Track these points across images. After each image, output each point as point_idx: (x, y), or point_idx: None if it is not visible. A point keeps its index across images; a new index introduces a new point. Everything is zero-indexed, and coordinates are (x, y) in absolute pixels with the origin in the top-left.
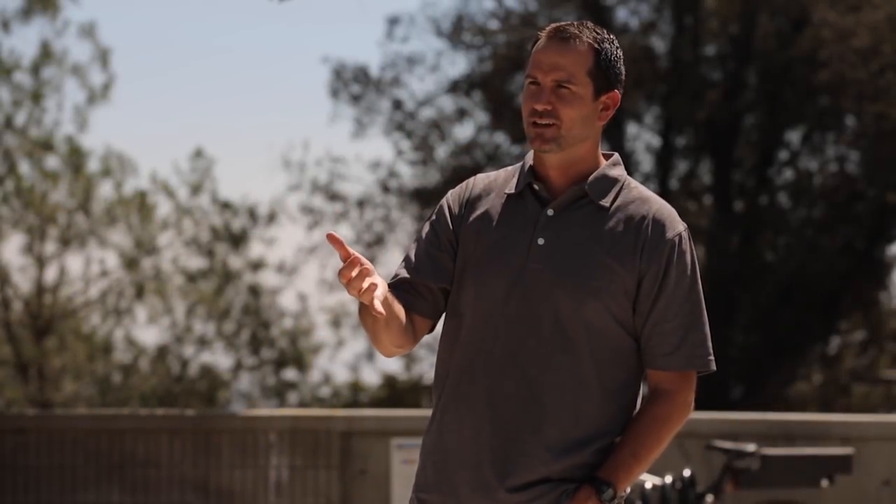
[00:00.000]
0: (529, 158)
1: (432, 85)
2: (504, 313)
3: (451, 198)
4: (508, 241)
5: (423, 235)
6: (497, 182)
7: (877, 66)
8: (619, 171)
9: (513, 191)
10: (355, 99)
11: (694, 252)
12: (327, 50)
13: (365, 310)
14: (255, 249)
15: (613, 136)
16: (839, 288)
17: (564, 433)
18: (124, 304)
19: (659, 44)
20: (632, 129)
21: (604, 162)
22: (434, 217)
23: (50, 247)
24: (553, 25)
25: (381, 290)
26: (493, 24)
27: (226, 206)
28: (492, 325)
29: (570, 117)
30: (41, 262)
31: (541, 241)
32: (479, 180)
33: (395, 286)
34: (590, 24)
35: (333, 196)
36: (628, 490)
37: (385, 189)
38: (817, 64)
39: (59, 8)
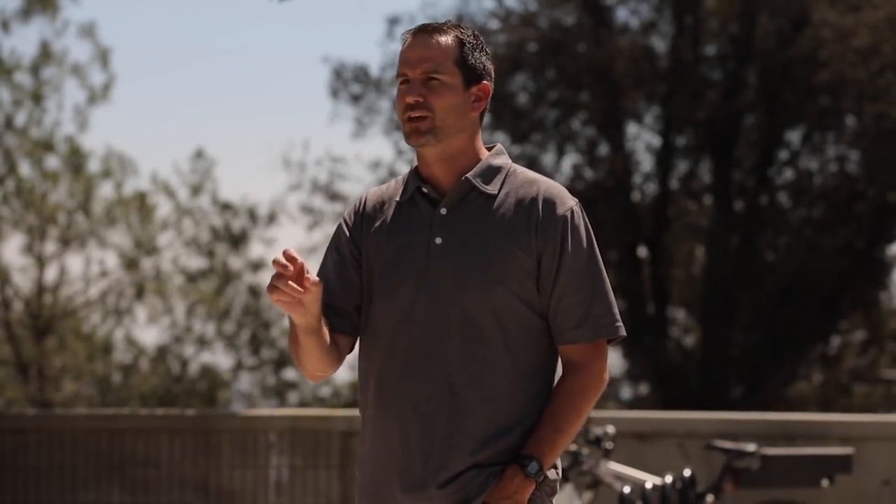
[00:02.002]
0: (415, 163)
1: None
2: (414, 317)
3: (347, 216)
4: (408, 247)
5: (328, 259)
6: (388, 193)
7: (877, 65)
8: (502, 160)
9: (403, 198)
10: (355, 99)
11: (588, 225)
12: (327, 50)
13: (294, 336)
14: (256, 250)
15: (613, 137)
16: (839, 288)
17: (488, 422)
18: (124, 304)
19: (659, 44)
20: (632, 128)
21: (486, 152)
22: (333, 239)
23: (50, 247)
24: (416, 25)
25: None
26: (493, 24)
27: (226, 206)
28: (404, 331)
29: (442, 107)
30: (41, 262)
31: (438, 241)
32: (371, 194)
33: None
34: (452, 23)
35: (333, 196)
36: (559, 467)
37: None
38: (817, 64)
39: (58, 8)
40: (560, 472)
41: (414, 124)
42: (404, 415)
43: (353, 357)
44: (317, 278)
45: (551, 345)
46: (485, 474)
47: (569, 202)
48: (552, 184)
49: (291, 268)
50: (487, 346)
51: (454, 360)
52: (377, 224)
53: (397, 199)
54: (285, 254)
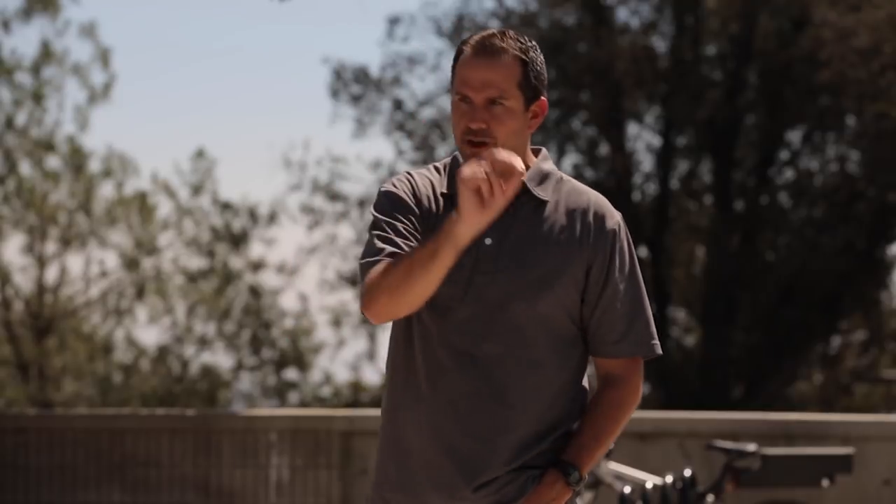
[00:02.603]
0: (461, 156)
1: (433, 85)
2: (459, 314)
3: (403, 190)
4: None
5: (390, 218)
6: (434, 180)
7: (877, 65)
8: (550, 166)
9: (451, 191)
10: (356, 99)
11: (631, 240)
12: (327, 50)
13: (437, 253)
14: (256, 250)
15: (614, 137)
16: (840, 288)
17: (528, 428)
18: (125, 304)
19: (659, 44)
20: (632, 128)
21: (534, 158)
22: (395, 207)
23: (51, 247)
24: (478, 38)
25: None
26: (494, 24)
27: (226, 206)
28: (448, 327)
29: (504, 133)
30: (42, 262)
31: (488, 242)
32: (417, 176)
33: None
34: (512, 34)
35: (334, 196)
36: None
37: None
38: (818, 64)
39: (59, 8)
40: (586, 476)
41: (475, 149)
42: (439, 411)
43: (353, 358)
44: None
45: (583, 353)
46: (522, 478)
47: (616, 216)
48: (600, 196)
49: (519, 165)
50: (531, 352)
51: (497, 363)
52: (427, 211)
53: (443, 190)
54: (518, 165)
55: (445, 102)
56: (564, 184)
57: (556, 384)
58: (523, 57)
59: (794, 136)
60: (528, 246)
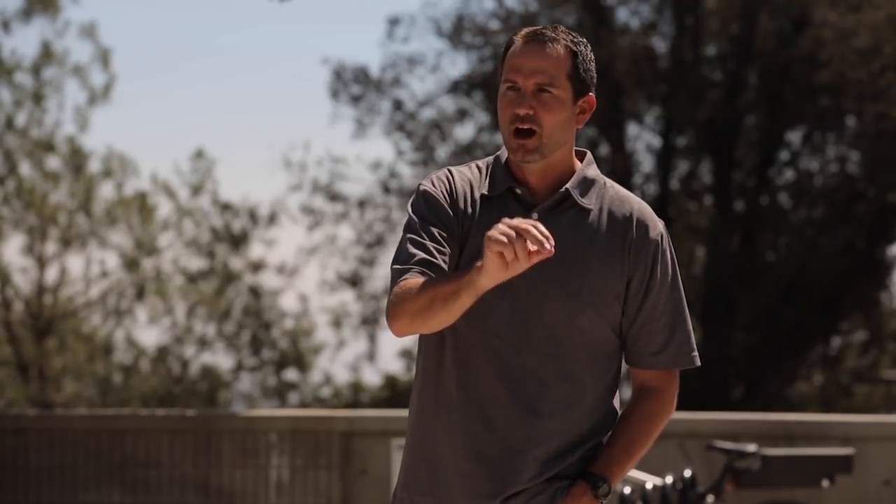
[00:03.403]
0: (504, 156)
1: (433, 85)
2: (496, 321)
3: (441, 191)
4: None
5: (425, 222)
6: (473, 179)
7: (877, 66)
8: (595, 171)
9: (492, 193)
10: (356, 99)
11: (673, 249)
12: (327, 50)
13: (458, 293)
14: (256, 250)
15: (614, 137)
16: (840, 288)
17: (561, 440)
18: (125, 304)
19: (659, 44)
20: (632, 129)
21: (578, 163)
22: (430, 209)
23: (51, 247)
24: (529, 29)
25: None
26: (494, 24)
27: (226, 206)
28: (484, 333)
29: (551, 123)
30: (42, 263)
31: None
32: (457, 175)
33: (428, 268)
34: (563, 28)
35: (334, 196)
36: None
37: (386, 189)
38: (818, 64)
39: (59, 8)
40: (614, 488)
41: (521, 141)
42: (471, 418)
43: (353, 359)
44: (550, 249)
45: (619, 364)
46: (552, 489)
47: (659, 225)
48: (643, 204)
49: (548, 245)
50: (567, 363)
51: (533, 372)
52: (462, 211)
53: (484, 191)
54: (547, 238)
55: (445, 103)
56: (608, 190)
57: (592, 397)
58: (574, 48)
59: (794, 136)
60: (570, 255)
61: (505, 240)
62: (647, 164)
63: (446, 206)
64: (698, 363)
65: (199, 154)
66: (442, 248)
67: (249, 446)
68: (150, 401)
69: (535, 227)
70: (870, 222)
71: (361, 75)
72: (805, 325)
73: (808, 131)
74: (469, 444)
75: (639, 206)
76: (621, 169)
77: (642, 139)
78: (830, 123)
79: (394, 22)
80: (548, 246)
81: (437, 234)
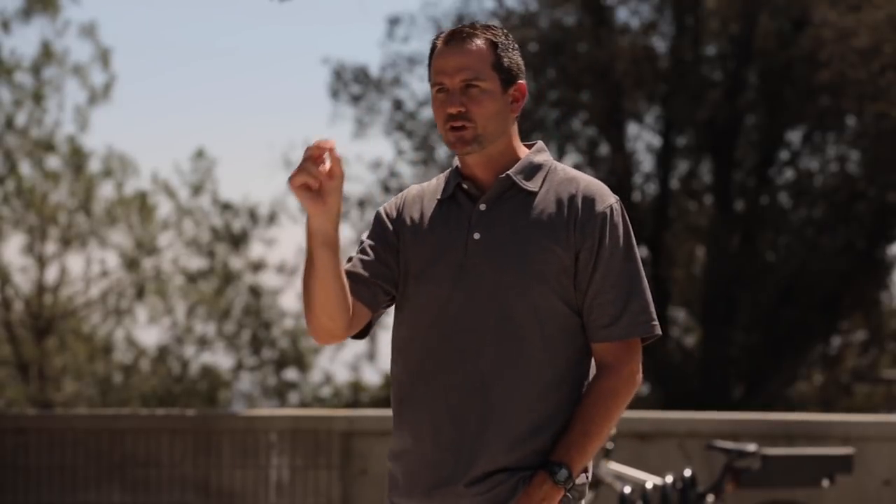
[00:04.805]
0: (456, 162)
1: None
2: (449, 312)
3: (387, 207)
4: (446, 242)
5: (365, 241)
6: (430, 189)
7: (877, 65)
8: (544, 157)
9: (444, 195)
10: (356, 99)
11: (628, 223)
12: (327, 50)
13: (309, 259)
14: (256, 250)
15: (614, 137)
16: (840, 288)
17: (520, 421)
18: (125, 304)
19: (659, 44)
20: (632, 129)
21: (525, 150)
22: (372, 227)
23: (51, 247)
24: (447, 31)
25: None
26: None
27: (226, 206)
28: (439, 325)
29: (484, 115)
30: (42, 263)
31: (476, 236)
32: (412, 190)
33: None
34: (480, 24)
35: None
36: (590, 469)
37: (386, 189)
38: (818, 64)
39: (59, 8)
40: (590, 474)
41: (457, 133)
42: (437, 411)
43: (353, 359)
44: (341, 167)
45: (586, 344)
46: (515, 479)
47: (608, 199)
48: (592, 181)
49: (328, 157)
50: (523, 344)
51: (488, 357)
52: (415, 218)
53: (438, 196)
54: (323, 143)
55: None
56: (557, 173)
57: (551, 376)
58: (494, 40)
59: (794, 136)
60: (516, 237)
61: (298, 174)
62: (647, 163)
63: (387, 221)
64: (658, 332)
65: (199, 154)
66: (364, 256)
67: (249, 446)
68: (150, 401)
69: (313, 146)
70: (870, 222)
71: (361, 75)
72: (805, 324)
73: (808, 131)
74: (435, 435)
75: (586, 182)
76: (621, 169)
77: (642, 139)
78: (830, 123)
79: (394, 22)
80: (325, 145)
81: (367, 247)
